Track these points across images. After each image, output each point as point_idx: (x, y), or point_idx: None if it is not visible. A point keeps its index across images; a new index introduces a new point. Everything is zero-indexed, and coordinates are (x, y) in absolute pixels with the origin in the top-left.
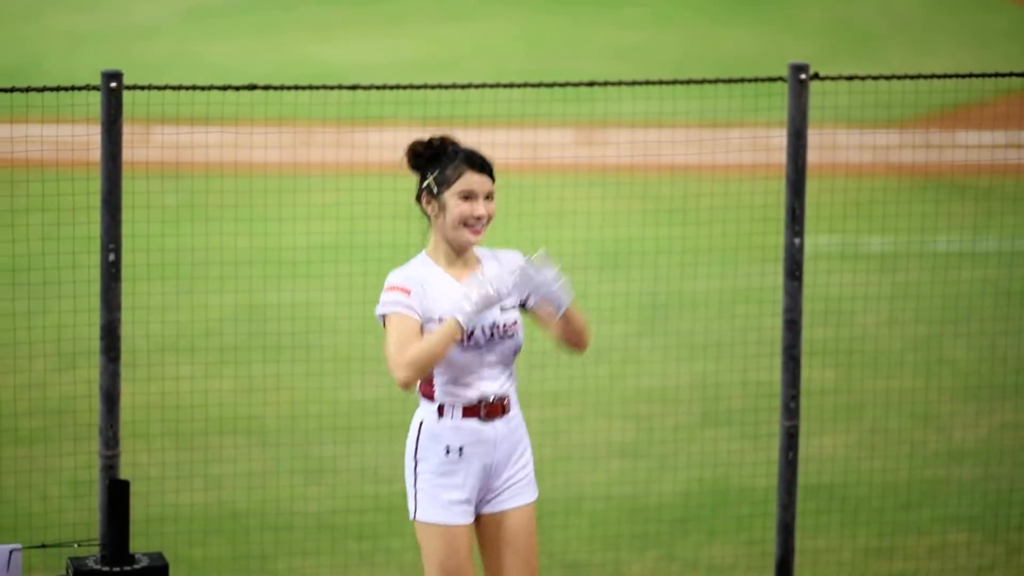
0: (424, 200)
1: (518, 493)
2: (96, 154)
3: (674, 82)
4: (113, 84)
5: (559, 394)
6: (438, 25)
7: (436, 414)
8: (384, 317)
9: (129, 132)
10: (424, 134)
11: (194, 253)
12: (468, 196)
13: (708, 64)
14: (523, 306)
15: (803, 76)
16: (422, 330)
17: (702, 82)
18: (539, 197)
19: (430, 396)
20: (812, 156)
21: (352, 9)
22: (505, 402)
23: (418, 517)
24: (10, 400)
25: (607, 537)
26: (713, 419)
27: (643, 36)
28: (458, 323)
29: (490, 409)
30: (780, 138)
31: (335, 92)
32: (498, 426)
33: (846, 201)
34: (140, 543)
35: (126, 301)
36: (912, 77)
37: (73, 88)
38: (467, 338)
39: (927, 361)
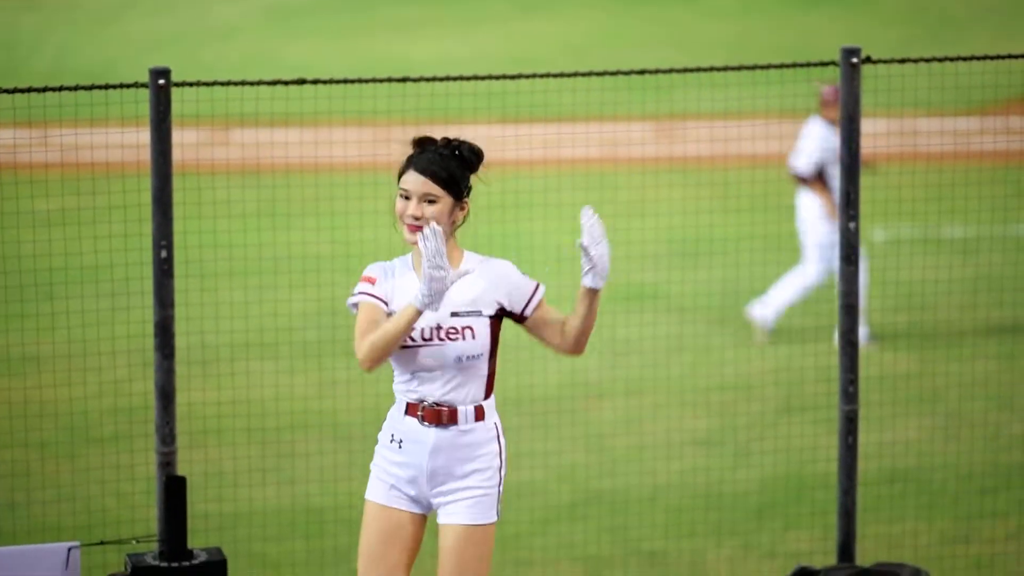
0: None
1: (452, 512)
2: (175, 154)
3: (724, 68)
4: (161, 81)
5: (639, 383)
6: (517, 22)
7: (396, 403)
8: (356, 306)
9: (209, 132)
10: (504, 130)
11: (275, 248)
12: (404, 195)
13: (789, 54)
14: (519, 319)
15: (854, 60)
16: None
17: (753, 68)
18: (620, 186)
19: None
20: (892, 143)
21: (431, 9)
22: (448, 411)
23: (366, 495)
24: (82, 398)
25: (685, 525)
26: (791, 407)
27: (723, 28)
28: (415, 308)
29: (428, 414)
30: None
31: (413, 89)
32: (440, 434)
33: (924, 185)
34: (214, 539)
35: (207, 299)
36: (978, 58)
37: (122, 86)
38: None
39: (1007, 345)
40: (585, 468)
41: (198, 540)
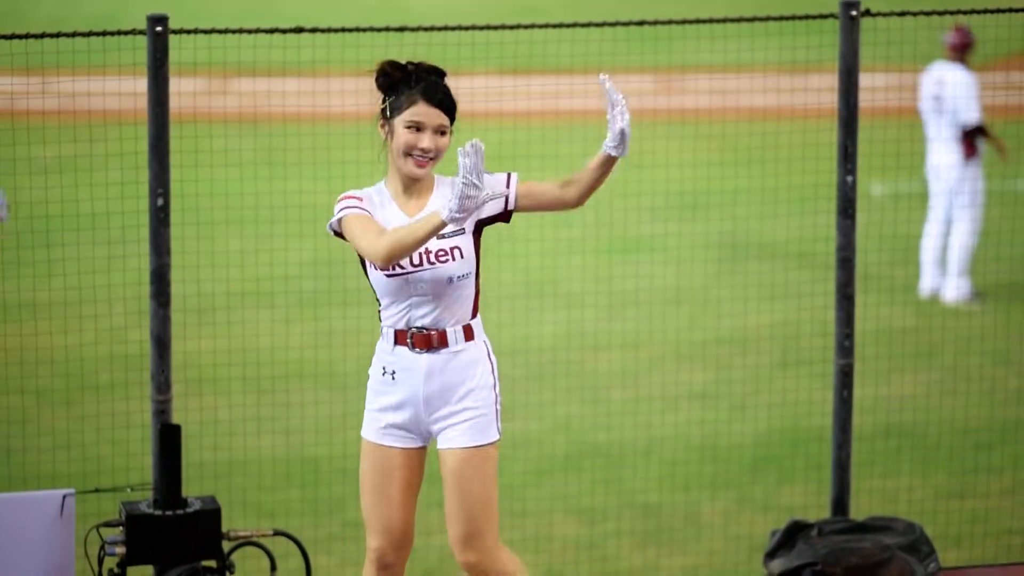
0: (380, 123)
1: (452, 436)
2: (175, 103)
3: (724, 20)
4: (159, 29)
5: (636, 335)
6: None
7: (382, 336)
8: (339, 224)
9: (208, 81)
10: (503, 81)
11: (272, 197)
12: (416, 127)
13: (789, 6)
14: (506, 215)
15: (854, 13)
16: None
17: (752, 20)
18: None
19: (380, 318)
20: (891, 98)
21: None
22: (438, 335)
23: (362, 432)
24: (79, 345)
25: (680, 478)
26: (787, 361)
27: None
28: (441, 219)
29: (418, 339)
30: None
31: (412, 39)
32: (432, 358)
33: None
34: (209, 487)
35: (204, 247)
36: (978, 12)
37: (119, 33)
38: (394, 265)
39: (1004, 300)
40: (580, 420)
41: (193, 488)
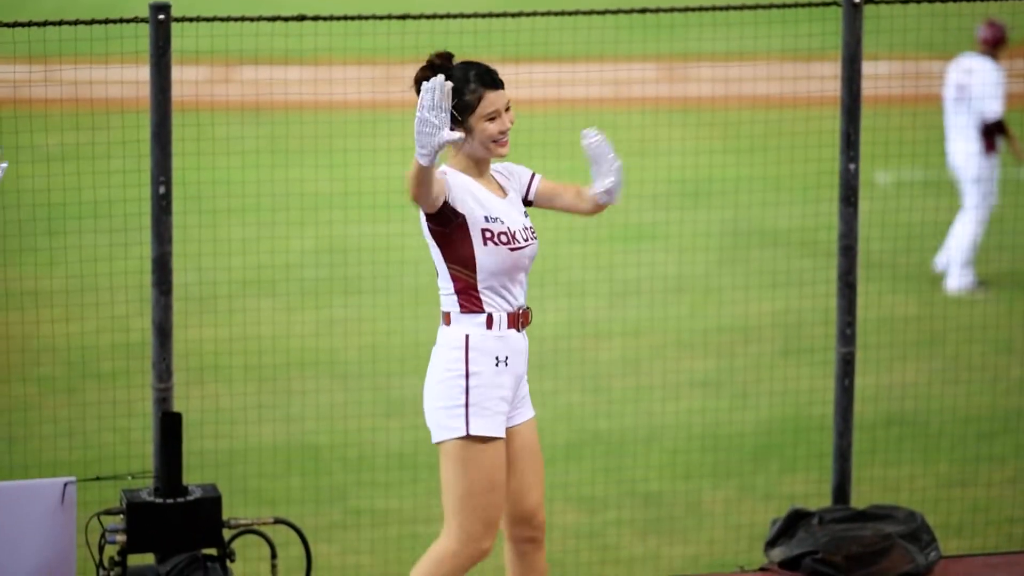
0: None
1: (527, 406)
2: (178, 91)
3: (727, 8)
4: (161, 17)
5: (638, 323)
6: None
7: (484, 326)
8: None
9: (211, 69)
10: (505, 69)
11: (274, 185)
12: (495, 115)
13: None
14: (527, 203)
15: (856, 0)
16: (446, 205)
17: (755, 7)
18: (620, 126)
19: (475, 309)
20: (894, 85)
21: None
22: (531, 312)
23: (473, 432)
24: (81, 333)
25: (681, 467)
26: (790, 349)
27: None
28: (415, 158)
29: (525, 317)
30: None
31: (414, 27)
32: (526, 336)
33: (926, 127)
34: (211, 475)
35: (207, 235)
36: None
37: (121, 21)
38: (512, 237)
39: (1007, 288)
40: (582, 408)
41: (194, 476)
